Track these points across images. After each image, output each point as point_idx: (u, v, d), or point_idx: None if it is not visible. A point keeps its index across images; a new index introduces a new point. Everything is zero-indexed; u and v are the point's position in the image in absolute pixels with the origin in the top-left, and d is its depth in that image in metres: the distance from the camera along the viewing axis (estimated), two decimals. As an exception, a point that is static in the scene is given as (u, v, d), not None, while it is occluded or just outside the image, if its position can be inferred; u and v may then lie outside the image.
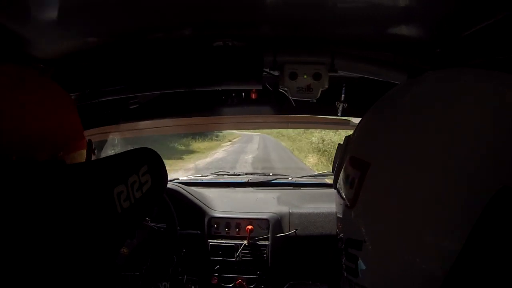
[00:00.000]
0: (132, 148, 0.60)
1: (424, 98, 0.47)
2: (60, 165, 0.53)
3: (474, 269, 0.37)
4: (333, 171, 0.60)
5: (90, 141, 0.62)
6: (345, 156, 0.54)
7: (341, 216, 0.53)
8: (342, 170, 0.53)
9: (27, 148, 0.50)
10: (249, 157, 11.22)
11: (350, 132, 0.60)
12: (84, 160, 0.60)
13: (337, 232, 0.56)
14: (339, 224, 0.55)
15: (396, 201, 0.43)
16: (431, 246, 0.41)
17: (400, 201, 0.43)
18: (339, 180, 0.55)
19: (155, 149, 0.62)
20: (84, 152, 0.60)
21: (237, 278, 1.47)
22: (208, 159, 11.01)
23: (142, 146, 0.61)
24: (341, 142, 0.59)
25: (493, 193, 0.36)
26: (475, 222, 0.37)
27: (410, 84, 0.55)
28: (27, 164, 0.49)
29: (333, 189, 0.59)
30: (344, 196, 0.51)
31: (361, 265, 0.47)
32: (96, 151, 0.65)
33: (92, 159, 0.63)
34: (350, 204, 0.48)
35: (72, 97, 0.94)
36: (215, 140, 16.30)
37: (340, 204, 0.53)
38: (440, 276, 0.39)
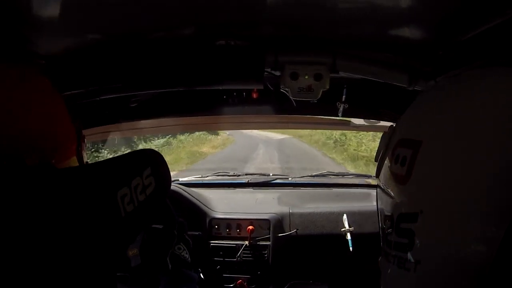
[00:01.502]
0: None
1: (472, 86, 0.51)
2: (63, 168, 0.53)
3: None
4: (376, 160, 0.64)
5: (80, 144, 0.61)
6: (392, 142, 0.58)
7: (390, 196, 0.56)
8: (390, 154, 0.57)
9: (18, 152, 0.49)
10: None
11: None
12: (77, 164, 0.60)
13: (381, 214, 0.59)
14: (386, 206, 0.57)
15: (448, 174, 0.47)
16: (480, 222, 0.44)
17: (452, 174, 0.46)
18: (384, 166, 0.59)
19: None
20: (75, 159, 0.59)
21: (238, 278, 1.47)
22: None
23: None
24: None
25: None
26: None
27: (458, 76, 0.59)
28: (29, 168, 0.48)
29: (376, 177, 0.63)
30: (393, 176, 0.55)
31: (417, 237, 0.48)
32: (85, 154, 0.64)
33: (84, 155, 0.62)
34: (402, 180, 0.51)
35: (73, 94, 0.94)
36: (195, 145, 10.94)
37: (389, 185, 0.57)
38: (489, 254, 0.41)
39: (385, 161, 0.59)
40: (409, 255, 0.49)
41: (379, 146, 0.64)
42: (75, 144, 0.60)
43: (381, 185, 0.61)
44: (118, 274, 1.08)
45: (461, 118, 0.48)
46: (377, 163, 0.64)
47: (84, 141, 0.64)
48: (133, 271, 1.00)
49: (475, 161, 0.45)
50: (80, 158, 0.60)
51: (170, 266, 0.97)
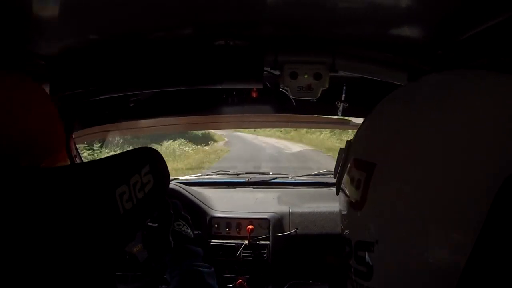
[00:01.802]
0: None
1: (427, 97, 0.48)
2: (61, 167, 0.53)
3: (489, 262, 0.37)
4: (335, 177, 0.60)
5: (70, 148, 0.61)
6: (348, 159, 0.54)
7: (347, 219, 0.53)
8: (346, 174, 0.53)
9: (8, 154, 0.49)
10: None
11: (350, 132, 0.60)
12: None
13: (342, 234, 0.56)
14: (345, 228, 0.54)
15: (405, 199, 0.43)
16: (445, 241, 0.41)
17: (409, 198, 0.43)
18: (342, 184, 0.55)
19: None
20: (67, 162, 0.59)
21: (237, 278, 1.47)
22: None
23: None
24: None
25: (501, 183, 0.36)
26: (486, 215, 0.37)
27: (413, 85, 0.56)
28: (26, 168, 0.48)
29: (336, 194, 0.59)
30: (349, 200, 0.51)
31: (374, 267, 0.46)
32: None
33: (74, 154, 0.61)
34: (358, 206, 0.48)
35: (74, 94, 0.94)
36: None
37: (346, 208, 0.53)
38: (456, 272, 0.39)
39: (342, 180, 0.55)
40: (369, 284, 0.47)
41: (336, 161, 0.60)
42: (64, 147, 0.60)
43: (340, 205, 0.57)
44: (121, 274, 1.08)
45: (415, 138, 0.44)
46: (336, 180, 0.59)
47: (73, 140, 0.64)
48: (143, 266, 0.99)
49: (430, 184, 0.41)
50: (71, 158, 0.60)
51: (172, 243, 0.96)
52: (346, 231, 0.54)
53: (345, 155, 0.56)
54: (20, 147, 0.51)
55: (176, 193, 1.53)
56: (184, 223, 1.07)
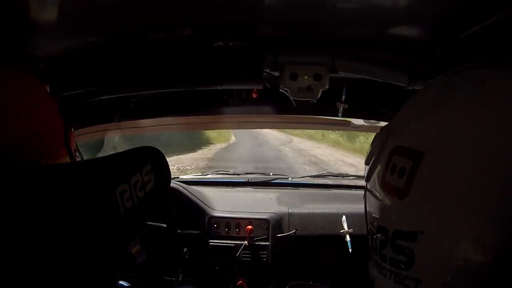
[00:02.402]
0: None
1: (478, 92, 0.47)
2: (61, 164, 0.53)
3: None
4: (366, 164, 0.59)
5: (69, 146, 0.60)
6: (387, 147, 0.52)
7: (383, 208, 0.52)
8: (383, 161, 0.52)
9: (8, 151, 0.49)
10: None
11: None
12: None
13: (371, 222, 0.55)
14: (379, 216, 0.53)
15: (455, 191, 0.43)
16: (489, 235, 0.41)
17: (460, 190, 0.43)
18: (377, 172, 0.54)
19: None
20: (67, 159, 0.59)
21: (237, 279, 1.47)
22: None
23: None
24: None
25: None
26: None
27: (458, 78, 0.54)
28: (28, 165, 0.48)
29: (366, 182, 0.58)
30: (388, 188, 0.50)
31: (416, 257, 0.45)
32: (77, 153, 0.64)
33: (74, 150, 0.61)
34: (400, 195, 0.47)
35: (73, 95, 0.94)
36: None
37: (382, 196, 0.52)
38: (490, 266, 0.40)
39: (378, 167, 0.54)
40: (408, 273, 0.46)
41: (370, 149, 0.59)
42: (64, 144, 0.59)
43: (373, 191, 0.56)
44: (121, 274, 1.08)
45: (469, 130, 0.44)
46: (367, 167, 0.59)
47: (72, 136, 0.63)
48: (139, 269, 0.99)
49: (485, 178, 0.41)
50: (71, 155, 0.60)
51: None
52: (380, 220, 0.52)
53: (382, 142, 0.54)
54: (20, 144, 0.51)
55: (176, 191, 1.53)
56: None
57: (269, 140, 10.96)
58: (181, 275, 1.15)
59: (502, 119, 0.42)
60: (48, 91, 0.89)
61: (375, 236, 0.54)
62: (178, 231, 1.39)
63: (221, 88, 1.00)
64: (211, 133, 10.44)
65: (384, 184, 0.51)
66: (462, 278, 0.43)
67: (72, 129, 0.62)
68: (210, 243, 1.49)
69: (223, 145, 10.60)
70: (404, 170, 0.47)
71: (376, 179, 0.54)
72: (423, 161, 0.45)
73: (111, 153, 0.59)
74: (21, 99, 0.52)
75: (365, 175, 0.59)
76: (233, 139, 11.58)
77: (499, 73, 0.49)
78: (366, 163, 0.59)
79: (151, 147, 0.62)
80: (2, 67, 0.53)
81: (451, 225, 0.43)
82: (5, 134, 0.49)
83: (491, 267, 0.40)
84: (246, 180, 1.84)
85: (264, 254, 1.47)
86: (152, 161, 0.59)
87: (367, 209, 0.58)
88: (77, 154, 0.63)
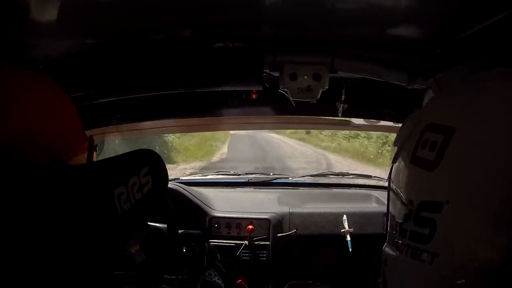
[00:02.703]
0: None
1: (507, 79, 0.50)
2: (61, 167, 0.53)
3: None
4: (395, 145, 0.62)
5: (91, 140, 0.62)
6: (418, 126, 0.55)
7: (412, 181, 0.55)
8: (416, 138, 0.54)
9: (28, 151, 0.50)
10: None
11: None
12: (86, 161, 0.60)
13: (390, 204, 0.58)
14: (407, 189, 0.55)
15: (482, 164, 0.45)
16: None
17: (486, 164, 0.45)
18: (406, 150, 0.56)
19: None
20: (85, 155, 0.60)
21: (237, 278, 1.47)
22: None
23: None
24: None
25: None
26: None
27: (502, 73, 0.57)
28: (28, 166, 0.49)
29: (393, 163, 0.61)
30: (418, 161, 0.52)
31: (438, 228, 0.47)
32: (97, 148, 0.65)
33: (94, 157, 0.62)
34: (430, 167, 0.49)
35: (72, 98, 0.94)
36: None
37: (411, 170, 0.54)
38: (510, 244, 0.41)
39: (408, 145, 0.56)
40: (427, 247, 0.48)
41: (401, 130, 0.62)
42: (85, 142, 0.61)
43: (400, 168, 0.58)
44: (120, 273, 1.08)
45: (501, 111, 0.47)
46: (395, 148, 0.61)
47: (93, 139, 0.65)
48: (138, 268, 0.99)
49: (509, 155, 0.44)
50: (90, 156, 0.61)
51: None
52: (406, 195, 0.55)
53: (415, 122, 0.57)
54: (34, 143, 0.51)
55: (176, 193, 1.53)
56: (215, 272, 1.07)
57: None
58: (219, 278, 1.15)
59: None
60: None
61: (397, 214, 0.56)
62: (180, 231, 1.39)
63: (220, 90, 1.00)
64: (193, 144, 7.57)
65: (415, 159, 0.54)
66: (478, 254, 0.45)
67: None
68: (211, 243, 1.49)
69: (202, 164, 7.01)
70: (435, 144, 0.49)
71: (406, 156, 0.57)
72: (454, 136, 0.48)
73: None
74: (41, 99, 0.53)
75: (392, 156, 0.62)
76: (221, 152, 8.44)
77: None
78: (395, 144, 0.62)
79: (149, 149, 0.63)
80: (20, 68, 0.54)
81: (476, 197, 0.45)
82: (26, 134, 0.50)
83: (510, 245, 0.42)
84: (247, 180, 1.84)
85: (264, 253, 1.47)
86: (150, 163, 0.59)
87: (392, 187, 0.60)
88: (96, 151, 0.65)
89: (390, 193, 0.61)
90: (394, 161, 0.61)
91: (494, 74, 0.53)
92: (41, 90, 0.54)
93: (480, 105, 0.49)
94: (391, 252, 0.56)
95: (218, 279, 1.05)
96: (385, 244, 0.59)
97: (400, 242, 0.53)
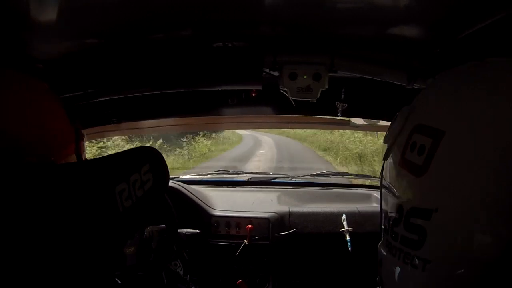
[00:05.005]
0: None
1: (500, 79, 0.47)
2: (61, 165, 0.53)
3: None
4: (385, 142, 0.59)
5: (78, 129, 0.61)
6: (407, 125, 0.53)
7: (401, 184, 0.52)
8: (404, 139, 0.53)
9: (16, 152, 0.49)
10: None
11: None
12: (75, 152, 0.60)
13: (383, 204, 0.56)
14: (396, 193, 0.53)
15: (475, 171, 0.43)
16: (502, 218, 0.41)
17: (479, 171, 0.43)
18: (396, 150, 0.54)
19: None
20: (73, 157, 0.60)
21: (237, 278, 1.48)
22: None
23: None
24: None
25: None
26: None
27: (482, 65, 0.54)
28: (27, 164, 0.49)
29: (384, 160, 0.59)
30: (406, 165, 0.50)
31: (428, 236, 0.46)
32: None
33: (83, 154, 0.62)
34: (419, 172, 0.48)
35: (72, 96, 0.94)
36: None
37: (400, 173, 0.52)
38: (501, 249, 0.40)
39: (397, 145, 0.55)
40: (418, 253, 0.47)
41: (390, 128, 0.60)
42: (74, 144, 0.60)
43: (390, 169, 0.56)
44: (122, 273, 1.08)
45: (491, 114, 0.44)
46: (386, 145, 0.60)
47: (83, 139, 0.64)
48: (127, 270, 0.99)
49: (503, 161, 0.41)
50: (79, 157, 0.61)
51: (165, 281, 0.96)
52: (395, 197, 0.53)
53: (403, 121, 0.55)
54: (28, 143, 0.51)
55: (176, 191, 1.53)
56: (180, 263, 1.07)
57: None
58: (181, 269, 1.14)
59: None
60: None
61: (389, 215, 0.54)
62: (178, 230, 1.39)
63: (220, 89, 1.01)
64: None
65: (403, 162, 0.52)
66: (470, 261, 0.43)
67: (82, 131, 0.63)
68: (210, 242, 1.49)
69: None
70: (423, 148, 0.47)
71: (394, 157, 0.55)
72: (443, 140, 0.46)
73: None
74: (30, 101, 0.53)
75: (383, 153, 0.60)
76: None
77: None
78: (385, 141, 0.60)
79: (150, 147, 0.63)
80: (9, 72, 0.53)
81: (466, 205, 0.44)
82: (16, 135, 0.50)
83: (502, 250, 0.41)
84: (246, 179, 1.84)
85: (264, 253, 1.47)
86: (151, 160, 0.59)
87: (385, 184, 0.59)
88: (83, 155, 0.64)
89: (383, 190, 0.60)
90: (385, 159, 0.59)
91: (486, 74, 0.51)
92: (31, 93, 0.54)
93: (471, 107, 0.47)
94: (385, 253, 0.55)
95: (181, 270, 1.06)
96: (380, 242, 0.58)
97: (392, 244, 0.52)
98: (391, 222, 0.53)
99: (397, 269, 0.51)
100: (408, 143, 0.51)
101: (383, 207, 0.59)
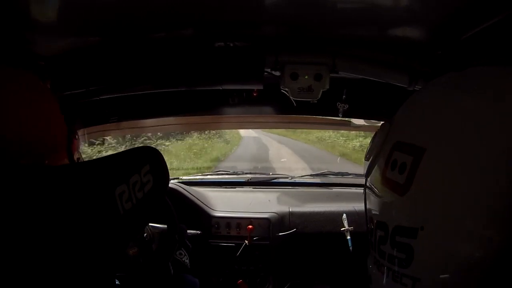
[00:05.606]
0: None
1: (483, 91, 0.46)
2: (60, 166, 0.53)
3: None
4: (366, 159, 0.58)
5: (72, 130, 0.60)
6: (387, 143, 0.52)
7: (383, 203, 0.51)
8: (383, 157, 0.52)
9: (12, 153, 0.48)
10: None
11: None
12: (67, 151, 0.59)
13: (368, 222, 0.54)
14: (379, 212, 0.52)
15: (458, 188, 0.42)
16: (489, 233, 0.40)
17: (463, 188, 0.42)
18: (377, 168, 0.53)
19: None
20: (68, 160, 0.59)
21: (237, 278, 1.47)
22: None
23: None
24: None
25: None
26: None
27: (461, 75, 0.53)
28: (23, 167, 0.48)
29: (366, 178, 0.57)
30: (388, 183, 0.49)
31: (416, 254, 0.45)
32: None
33: (75, 153, 0.61)
34: (401, 190, 0.47)
35: (74, 94, 0.94)
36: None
37: (381, 192, 0.51)
38: (489, 263, 0.39)
39: (378, 163, 0.54)
40: (406, 271, 0.46)
41: (371, 144, 0.59)
42: (68, 144, 0.59)
43: (372, 187, 0.55)
44: (123, 275, 1.08)
45: (472, 128, 0.43)
46: (367, 162, 0.58)
47: (76, 138, 0.63)
48: (131, 271, 0.99)
49: (486, 175, 0.41)
50: (71, 157, 0.60)
51: (172, 271, 0.96)
52: (380, 216, 0.52)
53: (383, 138, 0.54)
54: (22, 145, 0.50)
55: (176, 192, 1.53)
56: (185, 252, 1.07)
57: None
58: (187, 258, 1.14)
59: (505, 117, 0.42)
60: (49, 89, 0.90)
61: (374, 232, 0.53)
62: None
63: (221, 88, 1.01)
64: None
65: (385, 180, 0.51)
66: (460, 276, 0.43)
67: (77, 132, 0.62)
68: (211, 243, 1.49)
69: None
70: (405, 166, 0.46)
71: (376, 175, 0.54)
72: (424, 157, 0.45)
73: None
74: (24, 100, 0.52)
75: (365, 171, 0.59)
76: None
77: (501, 71, 0.49)
78: (366, 158, 0.59)
79: (150, 147, 0.61)
80: (6, 69, 0.53)
81: (451, 221, 0.43)
82: (9, 137, 0.49)
83: (490, 264, 0.40)
84: (246, 180, 1.84)
85: (264, 253, 1.47)
86: (151, 161, 0.58)
87: (367, 205, 0.58)
88: (78, 157, 0.63)
89: (366, 190, 0.58)
90: (366, 176, 0.58)
91: (466, 84, 0.49)
92: (26, 91, 0.53)
93: (450, 120, 0.45)
94: (374, 270, 0.53)
95: (187, 259, 1.06)
96: (368, 257, 0.56)
97: (380, 262, 0.51)
98: (377, 240, 0.52)
99: (388, 287, 0.50)
100: (389, 162, 0.50)
101: (368, 205, 0.58)
